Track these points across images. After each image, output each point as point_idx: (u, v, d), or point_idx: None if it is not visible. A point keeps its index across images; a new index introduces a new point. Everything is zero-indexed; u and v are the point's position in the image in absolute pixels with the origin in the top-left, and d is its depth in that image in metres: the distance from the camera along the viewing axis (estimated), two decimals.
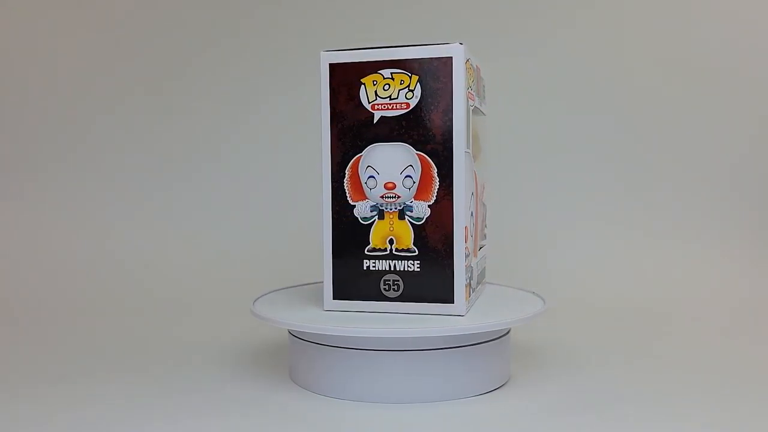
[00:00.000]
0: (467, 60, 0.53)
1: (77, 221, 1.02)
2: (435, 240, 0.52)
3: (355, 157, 0.53)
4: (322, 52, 0.54)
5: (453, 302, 0.52)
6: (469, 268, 0.54)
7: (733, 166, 0.97)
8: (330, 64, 0.53)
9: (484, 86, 0.63)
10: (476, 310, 0.54)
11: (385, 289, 0.54)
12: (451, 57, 0.51)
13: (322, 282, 0.69)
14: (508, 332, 0.55)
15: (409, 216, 0.53)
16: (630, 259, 0.94)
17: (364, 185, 0.53)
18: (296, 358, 0.56)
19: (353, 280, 0.54)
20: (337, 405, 0.51)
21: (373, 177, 0.53)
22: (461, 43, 0.52)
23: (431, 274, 0.53)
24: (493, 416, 0.48)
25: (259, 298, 0.61)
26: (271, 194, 1.03)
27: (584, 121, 1.00)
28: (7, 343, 0.70)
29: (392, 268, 0.53)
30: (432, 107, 0.52)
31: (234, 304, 0.88)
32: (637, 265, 0.93)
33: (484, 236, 0.63)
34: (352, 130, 0.53)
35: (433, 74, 0.52)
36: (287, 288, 0.66)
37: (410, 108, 0.52)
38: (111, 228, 1.02)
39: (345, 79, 0.53)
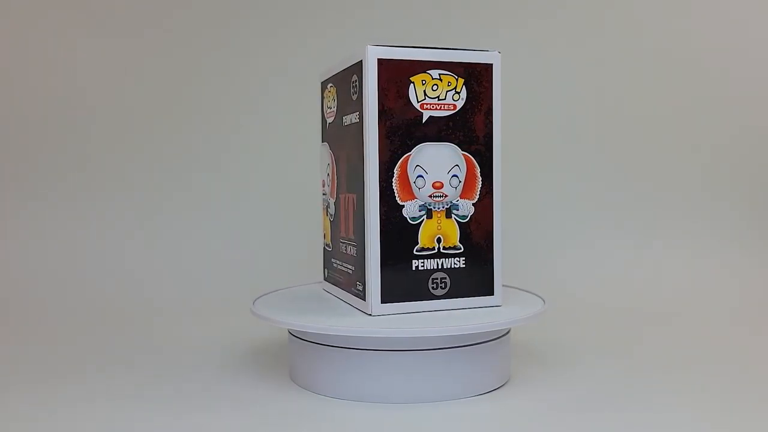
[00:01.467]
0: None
1: (77, 222, 1.02)
2: (478, 236, 0.55)
3: (404, 157, 0.53)
4: (369, 47, 0.52)
5: (493, 294, 0.55)
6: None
7: (732, 167, 0.97)
8: (378, 59, 0.52)
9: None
10: (475, 310, 0.54)
11: (432, 287, 0.54)
12: (492, 63, 0.55)
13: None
14: (508, 332, 0.55)
15: (455, 214, 0.54)
16: (630, 259, 0.94)
17: (413, 185, 0.53)
18: (296, 358, 0.56)
19: (401, 281, 0.53)
20: (337, 405, 0.51)
21: (422, 176, 0.53)
22: (499, 52, 0.56)
23: (474, 270, 0.55)
24: (493, 416, 0.48)
25: (259, 298, 0.61)
26: (272, 194, 1.03)
27: (585, 122, 1.00)
28: (9, 343, 0.70)
29: (440, 267, 0.54)
30: (476, 110, 0.54)
31: (234, 304, 0.88)
32: (637, 265, 0.93)
33: None
34: (400, 129, 0.53)
35: (477, 78, 0.54)
36: (287, 288, 0.66)
37: (457, 109, 0.54)
38: (111, 228, 1.02)
39: (394, 77, 0.52)
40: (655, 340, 0.69)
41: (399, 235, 0.53)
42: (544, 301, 0.57)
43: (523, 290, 0.63)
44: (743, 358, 0.62)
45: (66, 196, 1.03)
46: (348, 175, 0.56)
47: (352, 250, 0.56)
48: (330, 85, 0.60)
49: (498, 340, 0.54)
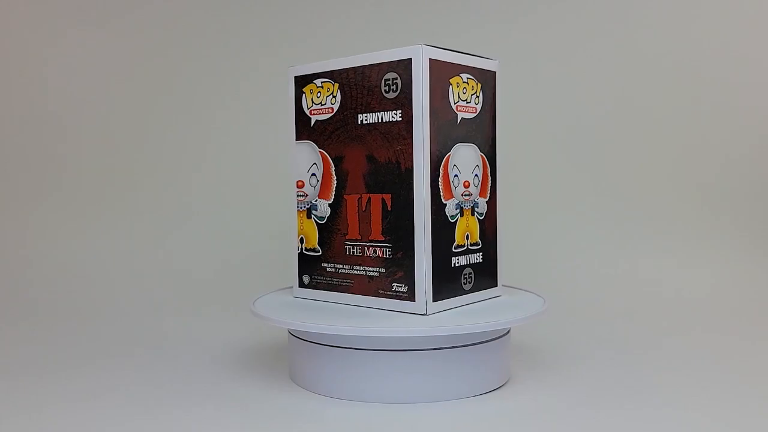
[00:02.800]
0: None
1: (76, 222, 1.02)
2: (490, 232, 0.58)
3: (446, 156, 0.54)
4: (423, 46, 0.52)
5: (497, 285, 0.60)
6: None
7: (731, 168, 0.97)
8: (429, 59, 0.52)
9: None
10: (477, 310, 0.54)
11: (464, 282, 0.56)
12: (496, 72, 0.58)
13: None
14: (508, 332, 0.55)
15: (477, 212, 0.57)
16: (630, 259, 0.94)
17: (451, 183, 0.55)
18: (296, 358, 0.55)
19: (444, 278, 0.54)
20: (337, 405, 0.51)
21: (457, 176, 0.55)
22: (496, 60, 0.59)
23: (487, 264, 0.58)
24: (493, 416, 0.48)
25: (259, 298, 0.61)
26: (272, 194, 1.03)
27: (585, 123, 1.00)
28: (10, 342, 0.70)
29: (468, 263, 0.56)
30: (487, 113, 0.57)
31: (234, 304, 0.88)
32: (637, 265, 0.93)
33: None
34: (443, 129, 0.53)
35: (488, 84, 0.57)
36: (287, 288, 0.66)
37: (477, 112, 0.56)
38: (110, 228, 1.02)
39: (438, 78, 0.53)
40: (655, 339, 0.69)
41: (443, 233, 0.54)
42: (544, 300, 0.57)
43: (523, 290, 0.62)
44: (743, 358, 0.62)
45: (63, 196, 1.03)
46: (370, 175, 0.55)
47: (382, 252, 0.55)
48: (323, 80, 0.58)
49: (498, 340, 0.54)
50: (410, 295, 0.53)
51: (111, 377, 0.58)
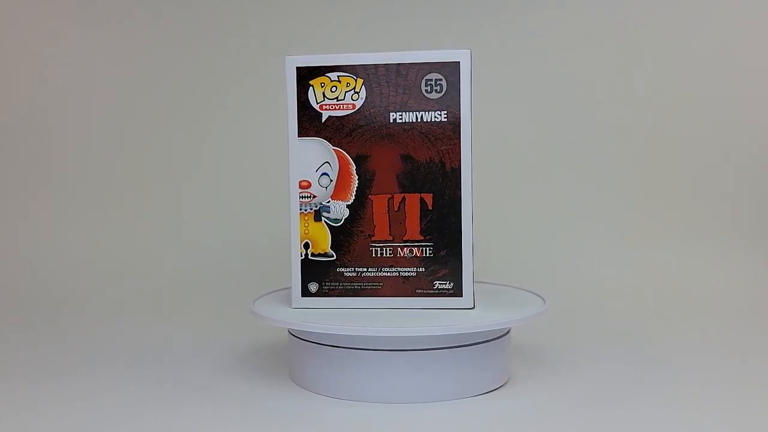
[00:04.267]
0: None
1: (76, 223, 1.02)
2: None
3: None
4: (470, 51, 0.54)
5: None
6: None
7: (733, 167, 0.97)
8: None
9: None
10: (476, 310, 0.54)
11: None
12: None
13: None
14: (508, 332, 0.55)
15: None
16: (630, 259, 0.94)
17: None
18: (296, 358, 0.55)
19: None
20: (337, 405, 0.51)
21: None
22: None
23: None
24: (493, 416, 0.48)
25: (259, 298, 0.61)
26: (273, 194, 1.03)
27: (584, 122, 1.00)
28: (9, 343, 0.70)
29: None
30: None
31: (234, 304, 0.88)
32: (636, 265, 0.93)
33: None
34: None
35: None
36: (287, 288, 0.66)
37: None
38: (110, 228, 1.02)
39: None
40: (655, 339, 0.69)
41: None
42: (544, 300, 0.57)
43: (523, 290, 0.62)
44: (743, 358, 0.62)
45: (63, 196, 1.03)
46: (406, 175, 0.55)
47: (420, 251, 0.55)
48: (341, 74, 0.55)
49: (498, 340, 0.54)
50: (457, 291, 0.55)
51: (111, 377, 0.58)
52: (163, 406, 0.51)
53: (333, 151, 0.55)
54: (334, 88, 0.55)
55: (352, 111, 0.55)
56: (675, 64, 1.00)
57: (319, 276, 0.56)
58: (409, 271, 0.55)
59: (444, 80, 0.54)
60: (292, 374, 0.56)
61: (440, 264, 0.55)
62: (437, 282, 0.55)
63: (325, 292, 0.56)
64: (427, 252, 0.55)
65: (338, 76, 0.55)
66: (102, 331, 0.75)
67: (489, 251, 0.94)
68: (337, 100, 0.55)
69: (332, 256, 0.56)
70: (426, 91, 0.54)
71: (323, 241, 0.56)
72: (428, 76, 0.54)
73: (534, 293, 0.61)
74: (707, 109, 0.99)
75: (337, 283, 0.56)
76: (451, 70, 0.54)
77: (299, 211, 0.56)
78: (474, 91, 1.03)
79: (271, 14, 1.06)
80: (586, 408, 0.50)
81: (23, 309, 0.86)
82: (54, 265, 0.97)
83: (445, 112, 0.54)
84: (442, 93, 0.54)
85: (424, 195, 0.55)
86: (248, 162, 1.04)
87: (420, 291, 0.55)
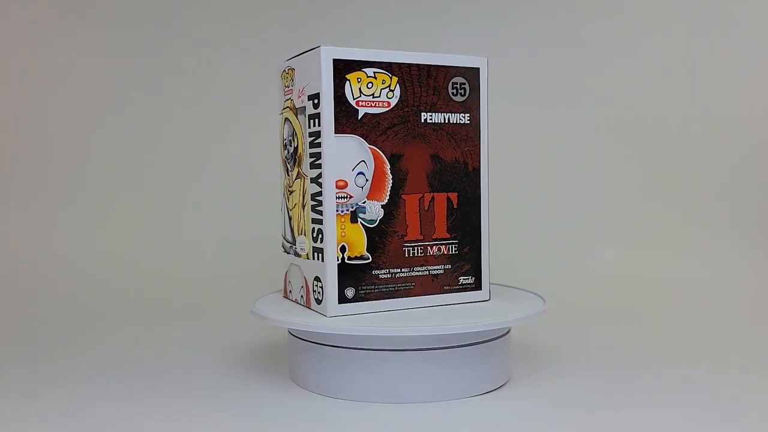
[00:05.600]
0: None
1: (76, 223, 1.02)
2: None
3: None
4: (487, 59, 0.55)
5: None
6: None
7: (729, 166, 0.97)
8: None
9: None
10: (476, 310, 0.54)
11: None
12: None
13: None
14: (508, 332, 0.55)
15: None
16: (630, 259, 0.94)
17: None
18: (296, 358, 0.55)
19: None
20: (337, 405, 0.51)
21: None
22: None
23: None
24: (493, 416, 0.48)
25: (259, 298, 0.61)
26: (273, 193, 1.03)
27: (584, 122, 1.00)
28: (10, 344, 0.70)
29: None
30: None
31: (234, 304, 0.88)
32: (636, 264, 0.93)
33: None
34: None
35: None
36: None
37: None
38: (110, 228, 1.02)
39: None
40: (654, 339, 0.69)
41: None
42: (544, 300, 0.57)
43: (523, 290, 0.62)
44: (743, 358, 0.62)
45: (60, 197, 1.03)
46: (434, 175, 0.55)
47: (447, 249, 0.56)
48: (377, 71, 0.53)
49: (498, 340, 0.54)
50: (477, 285, 0.57)
51: (111, 378, 0.58)
52: (163, 406, 0.51)
53: (368, 149, 0.53)
54: (370, 84, 0.53)
55: (387, 109, 0.54)
56: (682, 66, 1.00)
57: (356, 281, 0.53)
58: (437, 269, 0.56)
59: (467, 84, 0.56)
60: (292, 374, 0.56)
61: (464, 260, 0.57)
62: (461, 277, 0.57)
63: (362, 297, 0.54)
64: (453, 249, 0.56)
65: (374, 72, 0.53)
66: (102, 331, 0.75)
67: (489, 251, 0.95)
68: (373, 97, 0.53)
69: (368, 259, 0.54)
70: (452, 93, 0.55)
71: (360, 244, 0.53)
72: (454, 79, 0.55)
73: (534, 293, 0.61)
74: (707, 109, 0.99)
75: (373, 287, 0.54)
76: (473, 75, 0.56)
77: (335, 213, 0.53)
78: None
79: (271, 14, 1.06)
80: (586, 408, 0.50)
81: (22, 310, 0.86)
82: (53, 265, 0.97)
83: (468, 114, 0.56)
84: (466, 96, 0.56)
85: (450, 194, 0.56)
86: (249, 162, 1.04)
87: (447, 287, 0.56)
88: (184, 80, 1.05)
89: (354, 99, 0.53)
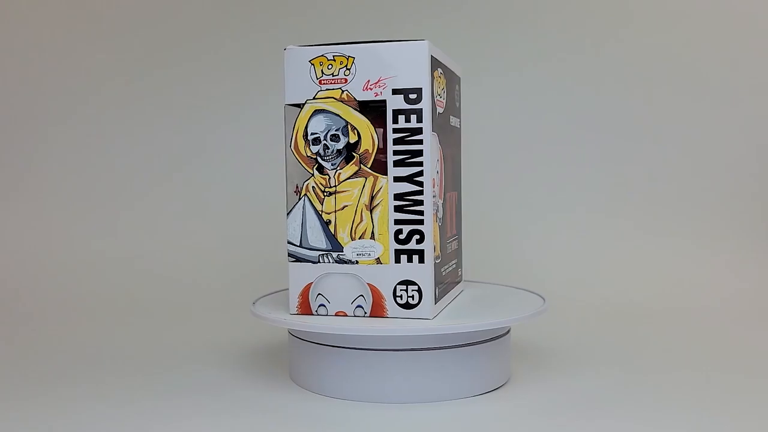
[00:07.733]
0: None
1: (75, 223, 1.02)
2: None
3: None
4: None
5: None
6: None
7: (729, 163, 0.97)
8: None
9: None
10: (476, 310, 0.54)
11: None
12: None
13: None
14: (508, 332, 0.55)
15: None
16: (630, 258, 0.94)
17: None
18: (296, 358, 0.55)
19: None
20: (337, 405, 0.51)
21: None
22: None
23: None
24: (493, 416, 0.48)
25: (259, 298, 0.61)
26: (273, 194, 1.03)
27: (578, 117, 1.00)
28: (8, 345, 0.70)
29: None
30: None
31: (233, 304, 0.88)
32: (636, 264, 0.93)
33: None
34: None
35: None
36: (287, 288, 0.66)
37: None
38: (109, 229, 1.02)
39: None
40: (655, 339, 0.69)
41: None
42: (544, 300, 0.57)
43: (523, 289, 0.63)
44: (743, 358, 0.62)
45: (59, 197, 1.03)
46: (451, 175, 0.58)
47: (456, 244, 0.60)
48: (440, 71, 0.53)
49: (498, 339, 0.54)
50: (461, 277, 0.62)
51: (111, 378, 0.58)
52: (163, 406, 0.51)
53: (439, 148, 0.53)
54: (438, 84, 0.53)
55: (443, 109, 0.54)
56: (680, 62, 1.00)
57: (438, 280, 0.53)
58: (456, 263, 0.60)
59: (459, 93, 0.61)
60: (292, 374, 0.56)
61: (459, 255, 0.61)
62: (460, 269, 0.61)
63: (438, 297, 0.53)
64: (456, 245, 0.60)
65: (440, 73, 0.53)
66: (101, 331, 0.75)
67: (489, 251, 0.94)
68: (439, 97, 0.53)
69: (439, 258, 0.53)
70: (455, 99, 0.60)
71: (438, 243, 0.53)
72: (455, 87, 0.59)
73: (534, 293, 0.61)
74: (707, 110, 0.99)
75: (441, 285, 0.54)
76: (460, 84, 0.61)
77: (432, 212, 0.51)
78: (477, 95, 1.04)
79: (271, 14, 1.06)
80: (586, 408, 0.50)
81: (22, 310, 0.86)
82: (53, 265, 0.97)
83: (459, 119, 0.60)
84: (460, 103, 0.61)
85: (453, 193, 0.59)
86: (250, 162, 1.04)
87: (458, 279, 0.60)
88: (184, 80, 1.05)
89: (436, 97, 0.52)
